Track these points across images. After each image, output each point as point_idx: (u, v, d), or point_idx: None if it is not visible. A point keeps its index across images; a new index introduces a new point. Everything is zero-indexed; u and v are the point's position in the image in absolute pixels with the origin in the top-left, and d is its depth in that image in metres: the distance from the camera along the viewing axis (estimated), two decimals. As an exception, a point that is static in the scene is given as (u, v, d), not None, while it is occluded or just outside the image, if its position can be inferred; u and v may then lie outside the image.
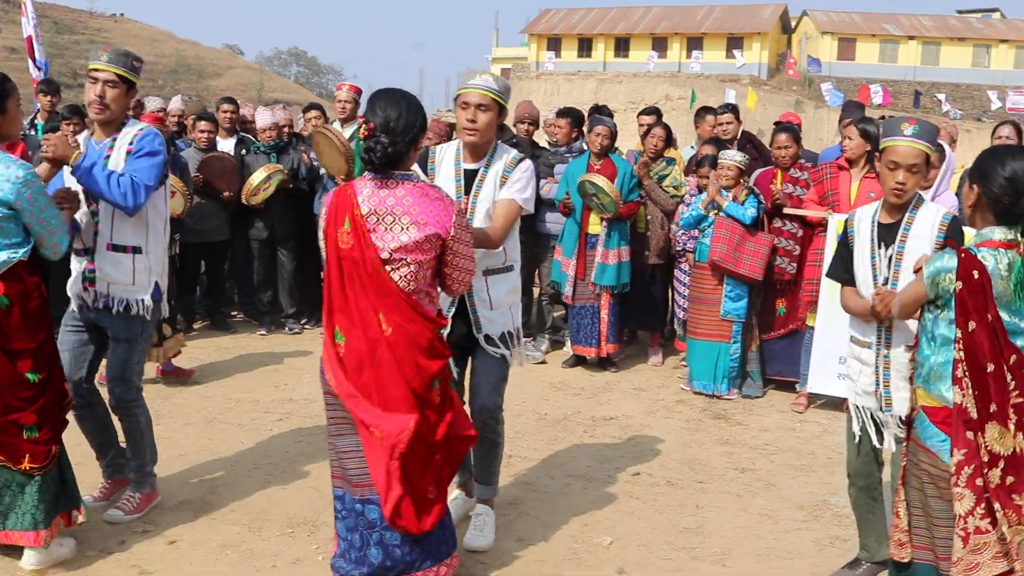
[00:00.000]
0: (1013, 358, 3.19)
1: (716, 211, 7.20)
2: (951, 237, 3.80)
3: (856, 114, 8.83)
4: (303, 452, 5.81)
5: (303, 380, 7.40)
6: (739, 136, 8.91)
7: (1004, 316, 3.23)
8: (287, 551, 4.50)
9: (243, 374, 7.68)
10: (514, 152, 4.53)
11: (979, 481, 3.20)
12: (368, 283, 3.66)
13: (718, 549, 4.68)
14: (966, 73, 51.01)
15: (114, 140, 4.57)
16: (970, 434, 3.19)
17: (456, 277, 3.84)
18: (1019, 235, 3.22)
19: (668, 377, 7.94)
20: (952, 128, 8.42)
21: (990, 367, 3.18)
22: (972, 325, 3.18)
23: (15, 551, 4.19)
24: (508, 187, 4.39)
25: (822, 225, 6.93)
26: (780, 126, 7.92)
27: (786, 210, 7.11)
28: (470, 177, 4.45)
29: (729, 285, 7.24)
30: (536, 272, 8.90)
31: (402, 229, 3.64)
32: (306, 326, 9.21)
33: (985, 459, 3.19)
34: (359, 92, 8.98)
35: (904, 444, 3.58)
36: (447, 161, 4.52)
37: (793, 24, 56.15)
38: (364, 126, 3.65)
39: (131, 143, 4.54)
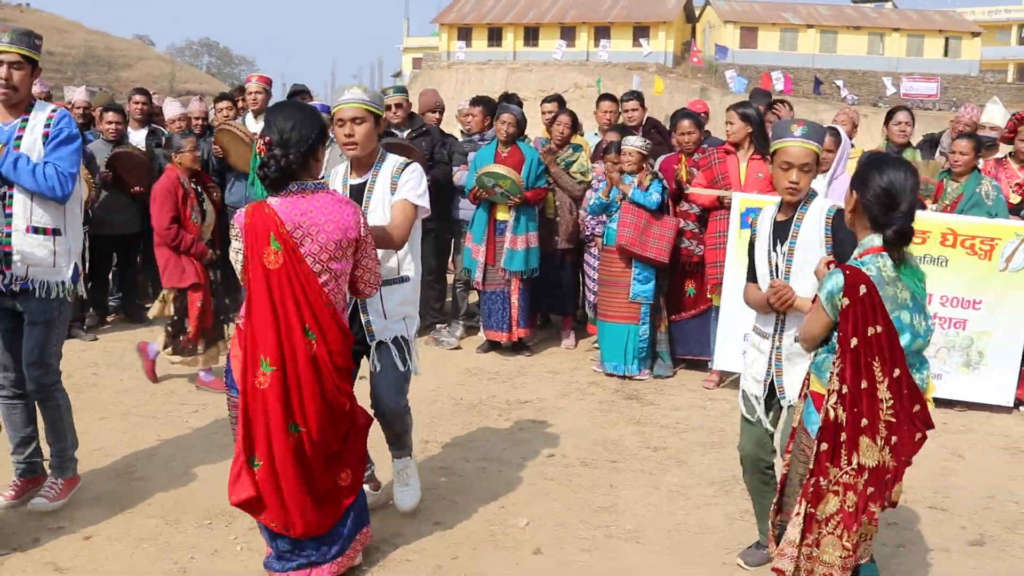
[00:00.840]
0: (897, 372, 3.24)
1: (621, 197, 7.25)
2: (836, 229, 3.88)
3: (762, 100, 8.98)
4: (220, 443, 5.71)
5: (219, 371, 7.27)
6: (644, 122, 9.00)
7: (904, 317, 3.28)
8: (205, 542, 4.42)
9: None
10: (400, 159, 4.52)
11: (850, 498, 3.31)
12: (301, 299, 3.65)
13: (632, 526, 4.73)
14: (862, 60, 52.40)
15: (24, 121, 4.46)
16: (843, 451, 3.29)
17: (367, 279, 3.91)
18: (885, 243, 3.26)
19: (581, 360, 7.98)
20: (854, 113, 8.62)
21: (863, 384, 3.23)
22: (854, 342, 3.22)
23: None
24: (400, 190, 4.38)
25: (719, 208, 7.04)
26: (682, 112, 8.00)
27: (689, 190, 7.20)
28: (358, 191, 4.43)
29: (637, 268, 7.29)
30: (450, 259, 8.87)
31: (326, 237, 3.65)
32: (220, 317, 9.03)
33: (854, 469, 3.27)
34: (269, 83, 8.84)
35: (791, 432, 3.64)
36: (336, 182, 4.51)
37: (697, 13, 56.87)
38: (261, 142, 3.65)
39: (47, 125, 4.44)
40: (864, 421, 3.24)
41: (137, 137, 8.94)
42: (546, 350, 8.28)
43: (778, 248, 4.02)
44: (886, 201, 3.25)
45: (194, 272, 6.71)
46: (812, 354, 3.53)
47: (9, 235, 4.41)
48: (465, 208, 8.28)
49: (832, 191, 6.87)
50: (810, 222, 3.97)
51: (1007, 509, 5.05)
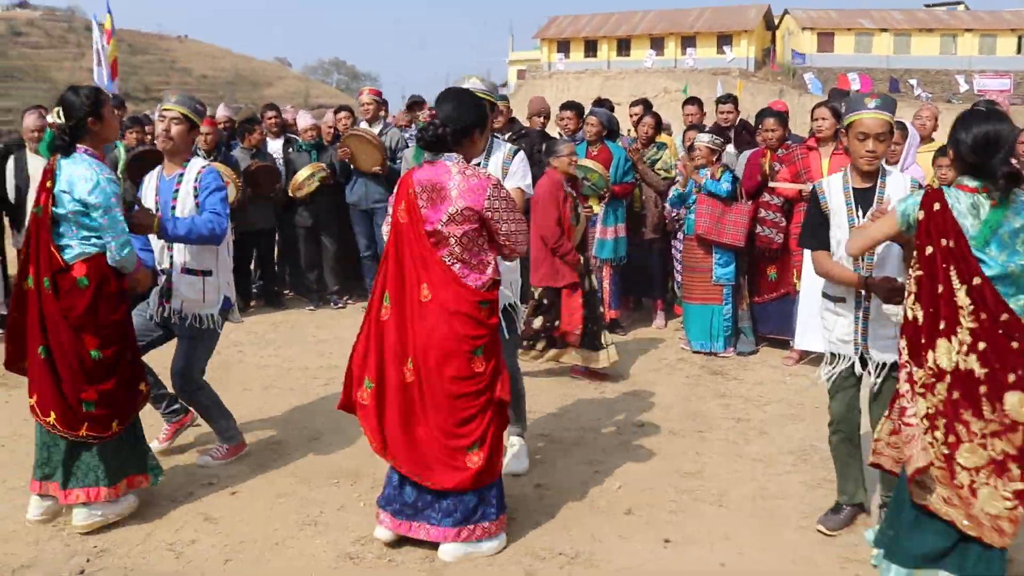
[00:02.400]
0: (977, 280, 3.12)
1: (696, 189, 7.13)
2: None
3: (840, 98, 8.68)
4: (346, 413, 5.79)
5: (346, 349, 7.25)
6: (736, 123, 8.83)
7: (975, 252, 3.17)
8: (333, 499, 4.49)
9: (294, 345, 7.67)
10: (508, 145, 4.60)
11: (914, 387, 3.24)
12: (416, 253, 3.73)
13: (716, 491, 4.62)
14: (935, 60, 50.27)
15: (181, 176, 4.68)
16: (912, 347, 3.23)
17: (508, 243, 3.85)
18: (983, 185, 3.19)
19: (670, 339, 7.86)
20: (935, 109, 8.24)
21: (940, 288, 3.15)
22: (929, 249, 3.17)
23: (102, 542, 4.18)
24: (511, 178, 4.46)
25: (802, 200, 6.82)
26: (767, 112, 7.80)
27: (771, 184, 7.02)
28: None
29: (717, 253, 7.17)
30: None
31: (442, 201, 3.69)
32: (348, 301, 9.19)
33: (931, 372, 3.17)
34: (379, 94, 8.99)
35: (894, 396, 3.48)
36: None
37: (776, 21, 55.46)
38: (428, 113, 3.75)
39: (196, 180, 4.65)
40: (942, 324, 3.14)
41: (275, 146, 9.13)
42: (638, 330, 8.17)
43: (859, 215, 3.87)
44: (983, 148, 3.17)
45: (569, 273, 6.28)
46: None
47: (170, 274, 4.68)
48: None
49: (904, 180, 6.60)
50: (894, 189, 3.83)
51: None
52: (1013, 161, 3.31)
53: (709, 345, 7.26)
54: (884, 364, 3.86)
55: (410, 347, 3.78)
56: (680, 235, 7.70)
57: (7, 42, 61.00)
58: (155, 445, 4.93)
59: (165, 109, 4.66)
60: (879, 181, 3.89)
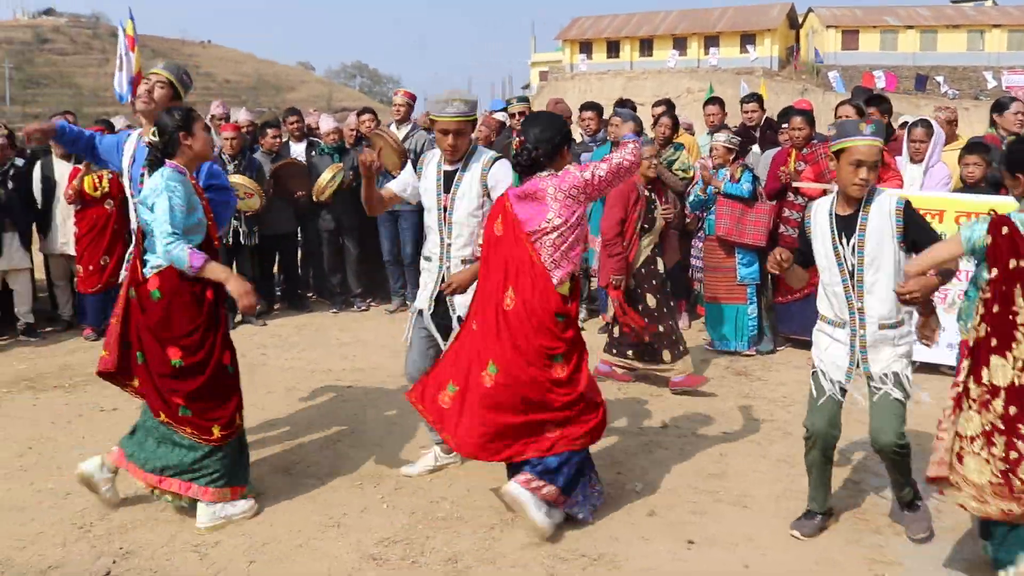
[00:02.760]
0: None
1: (716, 192, 7.11)
2: (908, 219, 3.75)
3: (863, 96, 8.63)
4: (369, 415, 5.83)
5: (369, 351, 7.42)
6: (762, 123, 8.80)
7: None
8: (356, 500, 4.51)
9: (317, 348, 7.72)
10: (490, 152, 4.62)
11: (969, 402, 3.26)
12: (509, 258, 4.02)
13: (739, 492, 4.60)
14: (962, 56, 49.70)
15: None
16: (969, 363, 3.26)
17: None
18: None
19: (694, 339, 7.82)
20: (951, 111, 8.17)
21: (995, 307, 3.21)
22: (995, 272, 3.24)
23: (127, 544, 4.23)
24: (495, 190, 4.47)
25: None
26: (794, 110, 7.78)
27: (795, 183, 6.99)
28: (450, 177, 4.56)
29: (740, 253, 7.17)
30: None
31: (540, 209, 3.99)
32: (371, 304, 9.23)
33: (986, 388, 3.18)
34: (413, 97, 8.99)
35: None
36: (431, 164, 4.67)
37: (800, 19, 55.11)
38: (517, 139, 4.06)
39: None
40: (994, 341, 3.18)
41: (297, 149, 9.20)
42: (661, 331, 8.14)
43: (842, 242, 3.85)
44: None
45: (608, 272, 6.22)
46: (898, 336, 3.45)
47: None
48: (583, 204, 8.22)
49: (928, 179, 6.57)
50: (878, 215, 3.80)
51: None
52: None
53: (734, 344, 7.23)
54: (885, 376, 3.85)
55: (493, 353, 4.03)
56: (700, 235, 7.68)
57: (33, 49, 61.81)
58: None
59: (152, 72, 4.75)
60: (862, 207, 3.84)
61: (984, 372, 3.19)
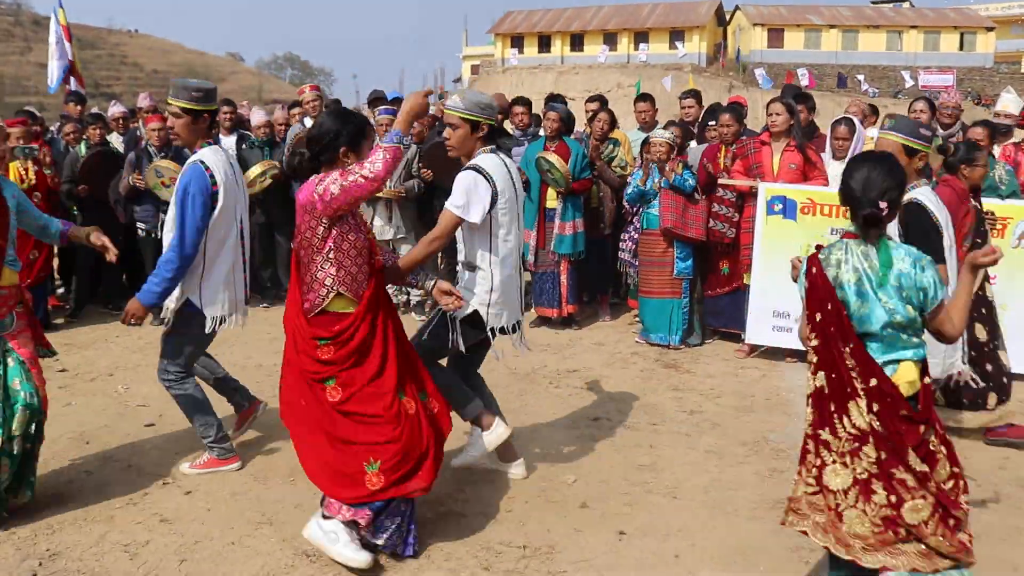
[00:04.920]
0: (851, 345, 3.03)
1: (659, 184, 7.18)
2: (908, 222, 3.94)
3: (791, 94, 8.81)
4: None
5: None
6: (700, 118, 8.92)
7: (851, 302, 3.05)
8: (289, 497, 4.47)
9: (247, 342, 7.59)
10: (471, 163, 4.38)
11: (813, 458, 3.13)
12: None
13: (670, 483, 4.68)
14: (882, 56, 51.13)
15: None
16: (816, 414, 3.13)
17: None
18: (857, 228, 3.10)
19: (624, 332, 7.92)
20: (864, 106, 8.44)
21: (833, 352, 3.06)
22: (819, 316, 3.08)
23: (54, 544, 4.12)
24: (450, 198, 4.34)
25: (752, 194, 6.94)
26: (725, 106, 7.91)
27: (721, 180, 7.11)
28: None
29: (678, 247, 7.25)
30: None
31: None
32: (303, 299, 9.13)
33: (853, 436, 3.03)
34: (319, 89, 9.08)
35: None
36: None
37: (728, 17, 55.98)
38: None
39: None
40: (848, 387, 3.03)
41: (227, 142, 9.03)
42: (593, 324, 8.23)
43: None
44: (854, 191, 3.08)
45: None
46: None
47: None
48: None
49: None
50: None
51: (1022, 469, 4.90)
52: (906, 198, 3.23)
53: (667, 338, 7.33)
54: None
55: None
56: (631, 229, 7.76)
57: (-50, 36, 59.55)
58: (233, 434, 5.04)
59: (167, 104, 4.59)
60: None
61: (846, 421, 3.03)
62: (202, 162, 4.51)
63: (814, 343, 3.12)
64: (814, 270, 3.12)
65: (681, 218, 7.14)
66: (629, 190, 7.48)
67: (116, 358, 6.53)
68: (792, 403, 4.62)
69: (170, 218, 4.53)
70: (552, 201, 7.69)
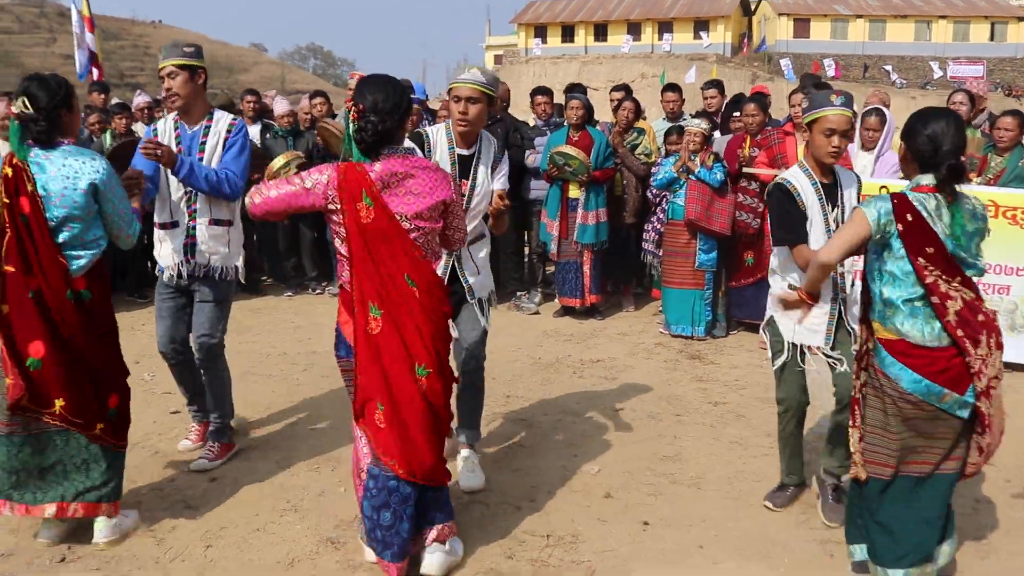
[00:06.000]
0: (959, 277, 3.21)
1: (687, 175, 7.15)
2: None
3: (811, 83, 8.75)
4: (326, 397, 5.80)
5: (324, 334, 7.35)
6: (723, 108, 8.86)
7: (949, 247, 3.21)
8: (313, 484, 4.49)
9: (272, 331, 7.66)
10: (495, 141, 4.44)
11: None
12: (398, 251, 3.46)
13: (694, 474, 4.67)
14: (910, 47, 50.65)
15: (207, 128, 4.55)
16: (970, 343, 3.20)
17: (457, 237, 3.77)
18: (938, 182, 3.21)
19: (648, 323, 7.90)
20: (884, 95, 8.34)
21: (935, 299, 3.19)
22: (921, 261, 3.18)
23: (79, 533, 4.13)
24: (498, 179, 4.35)
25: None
26: (750, 96, 7.86)
27: (745, 169, 7.07)
28: (464, 162, 4.31)
29: (702, 240, 7.22)
30: (526, 234, 8.86)
31: (412, 198, 3.48)
32: (327, 287, 9.17)
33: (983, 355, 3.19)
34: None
35: (857, 372, 3.52)
36: (440, 145, 4.34)
37: (753, 6, 55.60)
38: (353, 109, 3.49)
39: (228, 131, 4.54)
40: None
41: (252, 131, 9.07)
42: (616, 314, 8.21)
43: (830, 209, 3.97)
44: (932, 144, 3.22)
45: None
46: (869, 303, 3.40)
47: (194, 228, 4.55)
48: (536, 188, 8.25)
49: (879, 167, 6.67)
50: (848, 184, 4.05)
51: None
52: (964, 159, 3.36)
53: (690, 329, 7.31)
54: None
55: (422, 355, 3.50)
56: (655, 219, 7.74)
57: (-23, 27, 60.17)
58: (185, 444, 4.92)
59: (160, 68, 4.48)
60: (835, 176, 4.04)
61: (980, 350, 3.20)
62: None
63: (928, 280, 3.20)
64: (909, 216, 3.19)
65: (706, 211, 7.11)
66: (659, 176, 7.43)
67: (142, 347, 6.58)
68: (816, 395, 4.58)
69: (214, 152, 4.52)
70: (575, 191, 7.66)
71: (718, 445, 5.07)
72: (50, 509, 3.79)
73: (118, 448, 3.94)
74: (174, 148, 4.46)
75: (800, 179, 4.02)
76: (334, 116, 8.75)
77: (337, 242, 3.56)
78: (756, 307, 7.32)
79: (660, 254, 7.64)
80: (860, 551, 3.53)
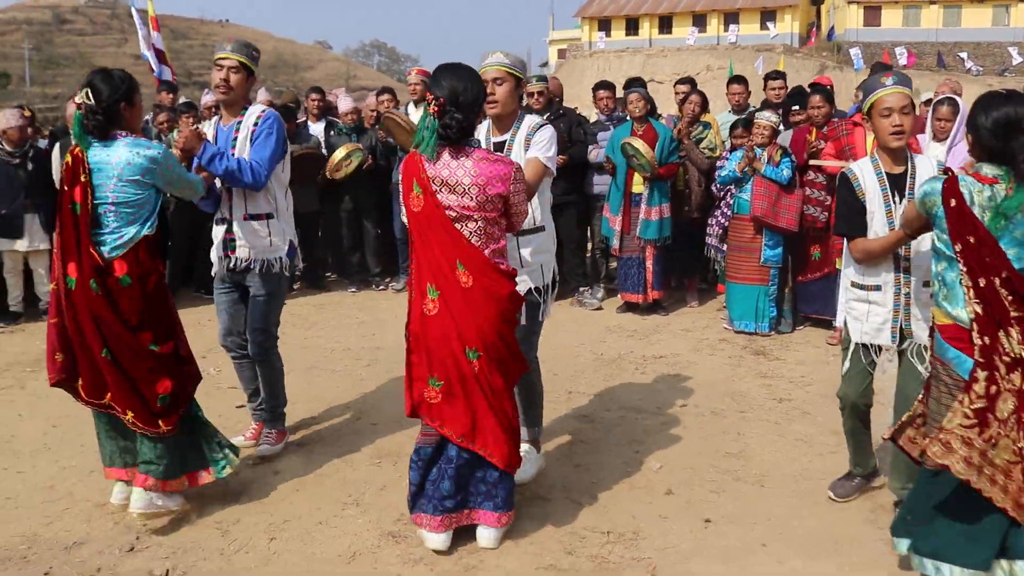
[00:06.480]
0: (1005, 273, 3.05)
1: (753, 172, 7.05)
2: None
3: (882, 73, 8.55)
4: (389, 392, 5.86)
5: (388, 330, 7.44)
6: (785, 101, 8.73)
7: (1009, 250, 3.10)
8: (375, 479, 4.55)
9: (336, 326, 7.76)
10: (537, 119, 4.34)
11: (992, 388, 3.05)
12: (445, 240, 3.59)
13: (758, 471, 4.61)
14: (987, 32, 49.00)
15: (239, 123, 4.60)
16: (986, 339, 3.05)
17: (516, 220, 3.81)
18: (1005, 174, 3.10)
19: (712, 319, 7.82)
20: (956, 84, 8.10)
21: (981, 282, 3.06)
22: (959, 246, 3.10)
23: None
24: (532, 148, 4.20)
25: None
26: (814, 88, 7.73)
27: (813, 161, 6.95)
28: (499, 148, 4.28)
29: (767, 235, 7.13)
30: (588, 229, 8.83)
31: (464, 192, 3.56)
32: (391, 284, 9.26)
33: (1006, 363, 3.03)
34: (427, 75, 8.98)
35: (928, 360, 3.48)
36: (480, 134, 4.35)
37: (822, -5, 54.54)
38: (434, 102, 3.55)
39: (255, 124, 4.57)
40: (997, 317, 3.05)
41: (316, 128, 9.21)
42: (679, 310, 8.14)
43: (895, 200, 3.83)
44: (1003, 131, 3.09)
45: None
46: (935, 287, 3.31)
47: (231, 223, 4.61)
48: (599, 183, 8.25)
49: (952, 157, 6.48)
50: (923, 173, 3.80)
51: None
52: None
53: (753, 325, 7.22)
54: (924, 348, 3.82)
55: (473, 339, 3.64)
56: (719, 214, 7.65)
57: (52, 30, 62.09)
58: (239, 440, 4.97)
59: (221, 58, 4.53)
60: (909, 165, 3.86)
61: (1005, 345, 3.03)
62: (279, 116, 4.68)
63: (963, 268, 3.10)
64: (953, 202, 3.10)
65: (773, 207, 7.01)
66: (724, 173, 7.36)
67: (209, 341, 6.71)
68: (884, 392, 4.48)
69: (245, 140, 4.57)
70: (638, 186, 7.62)
71: (783, 442, 5.00)
72: (119, 473, 4.20)
73: (157, 434, 4.03)
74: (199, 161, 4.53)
75: (866, 169, 3.93)
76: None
77: None
78: (823, 302, 7.22)
79: (724, 249, 7.56)
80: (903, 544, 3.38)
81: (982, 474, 3.04)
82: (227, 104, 4.62)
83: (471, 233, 3.62)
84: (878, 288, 3.92)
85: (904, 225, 3.63)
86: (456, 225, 3.59)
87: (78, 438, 5.07)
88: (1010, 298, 3.04)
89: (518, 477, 4.26)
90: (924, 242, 3.72)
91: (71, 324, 3.96)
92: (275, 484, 4.51)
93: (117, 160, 3.91)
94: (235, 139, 4.56)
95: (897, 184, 3.86)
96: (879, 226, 3.86)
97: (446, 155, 3.60)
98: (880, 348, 3.98)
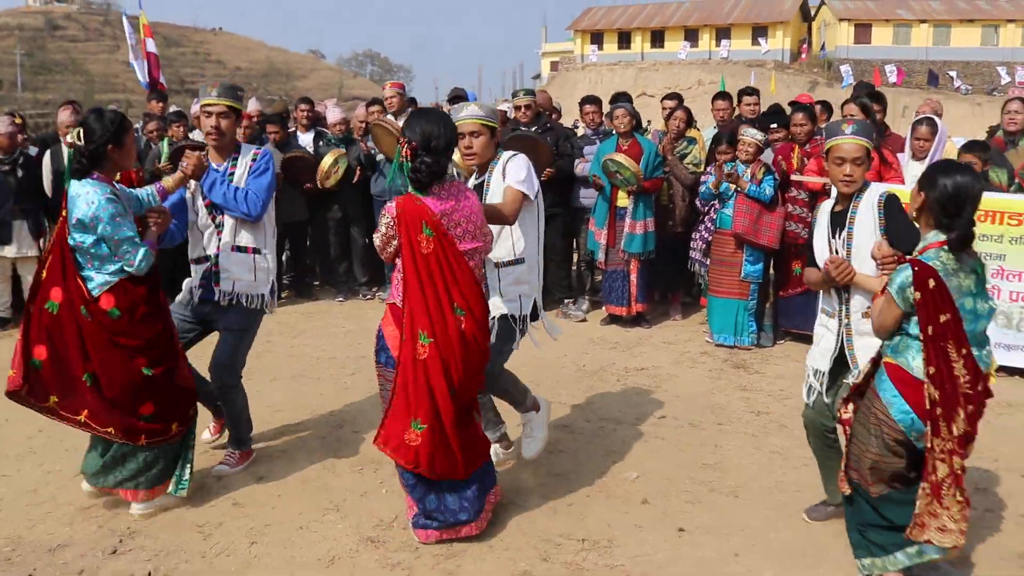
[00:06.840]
0: (965, 351, 3.24)
1: (735, 190, 7.14)
2: (888, 211, 3.86)
3: (864, 92, 8.67)
4: (373, 401, 5.91)
5: (373, 339, 7.49)
6: (759, 116, 8.84)
7: (967, 304, 3.29)
8: (356, 485, 4.62)
9: (323, 335, 7.82)
10: (508, 153, 4.46)
11: (956, 461, 3.27)
12: (450, 280, 3.76)
13: (734, 483, 4.69)
14: (976, 52, 49.39)
15: (234, 161, 4.67)
16: (943, 423, 3.26)
17: (488, 249, 4.09)
18: (949, 243, 3.28)
19: (694, 332, 7.91)
20: (936, 104, 8.26)
21: (943, 366, 3.24)
22: (930, 330, 3.23)
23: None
24: (507, 177, 4.34)
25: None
26: (796, 106, 7.85)
27: (793, 177, 7.06)
28: (478, 189, 4.42)
29: (748, 251, 7.22)
30: (574, 242, 8.93)
31: (468, 221, 3.81)
32: (378, 293, 9.33)
33: (956, 438, 3.26)
34: (402, 87, 9.20)
35: (855, 385, 3.67)
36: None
37: (813, 12, 54.90)
38: (407, 146, 3.70)
39: (254, 159, 4.68)
40: (946, 404, 3.25)
41: (305, 139, 9.28)
42: (663, 323, 8.23)
43: (837, 236, 4.00)
44: (951, 205, 3.27)
45: None
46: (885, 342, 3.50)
47: (217, 256, 4.63)
48: (585, 197, 8.35)
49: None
50: (864, 210, 3.95)
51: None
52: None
53: (733, 339, 7.31)
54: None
55: (455, 378, 3.84)
56: (703, 228, 7.74)
57: (45, 36, 61.95)
58: (206, 436, 5.09)
59: (209, 104, 4.58)
60: (852, 202, 3.98)
61: (953, 427, 3.24)
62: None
63: (924, 354, 3.27)
64: (931, 281, 3.23)
65: (754, 224, 7.11)
66: (702, 189, 7.47)
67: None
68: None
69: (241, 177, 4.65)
70: (623, 200, 7.71)
71: (759, 454, 5.08)
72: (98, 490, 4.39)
73: (146, 445, 4.22)
74: (201, 187, 4.62)
75: (824, 207, 4.14)
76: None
77: (399, 262, 3.83)
78: (804, 317, 7.30)
79: (707, 263, 7.65)
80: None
81: (952, 532, 3.31)
82: (219, 148, 4.68)
83: (475, 267, 3.86)
84: (829, 315, 4.05)
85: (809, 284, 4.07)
86: (469, 261, 3.82)
87: (61, 443, 5.13)
88: (967, 377, 3.25)
89: (529, 454, 4.65)
90: (865, 267, 3.85)
91: (53, 345, 4.07)
92: (257, 490, 4.58)
93: (80, 200, 4.00)
94: (231, 174, 4.63)
95: (838, 221, 4.02)
96: (820, 257, 4.06)
97: (444, 192, 3.80)
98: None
